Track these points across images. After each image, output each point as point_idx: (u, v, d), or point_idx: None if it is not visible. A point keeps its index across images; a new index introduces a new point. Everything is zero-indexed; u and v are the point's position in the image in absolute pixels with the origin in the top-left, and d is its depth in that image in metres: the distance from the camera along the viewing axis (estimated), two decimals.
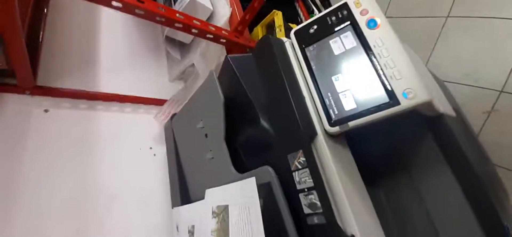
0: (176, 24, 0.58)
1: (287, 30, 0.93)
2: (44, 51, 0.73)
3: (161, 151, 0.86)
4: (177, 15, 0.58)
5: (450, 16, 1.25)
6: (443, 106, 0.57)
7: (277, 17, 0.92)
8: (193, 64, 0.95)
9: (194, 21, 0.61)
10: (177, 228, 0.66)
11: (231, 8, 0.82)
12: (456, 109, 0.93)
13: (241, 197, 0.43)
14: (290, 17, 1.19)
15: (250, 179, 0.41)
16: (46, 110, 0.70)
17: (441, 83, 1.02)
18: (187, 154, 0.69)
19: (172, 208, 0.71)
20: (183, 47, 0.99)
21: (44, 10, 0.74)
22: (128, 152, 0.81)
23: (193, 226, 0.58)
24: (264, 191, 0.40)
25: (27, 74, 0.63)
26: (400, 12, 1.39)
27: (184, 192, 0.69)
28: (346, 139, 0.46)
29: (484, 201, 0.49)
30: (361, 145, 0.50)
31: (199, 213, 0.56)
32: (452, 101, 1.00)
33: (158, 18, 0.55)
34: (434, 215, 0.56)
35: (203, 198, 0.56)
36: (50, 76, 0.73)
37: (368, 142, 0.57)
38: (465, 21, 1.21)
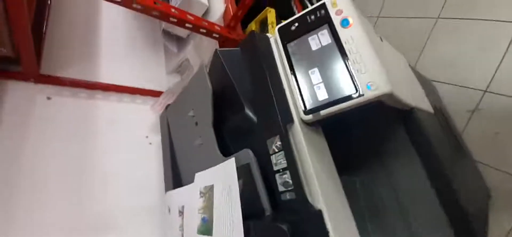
0: (171, 19, 0.63)
1: None
2: (48, 42, 0.77)
3: (157, 139, 0.91)
4: (172, 10, 0.62)
5: (441, 18, 1.29)
6: (417, 102, 0.61)
7: (270, 14, 0.96)
8: (188, 59, 0.99)
9: (188, 16, 0.65)
10: (169, 210, 0.71)
11: (226, 5, 0.86)
12: (439, 107, 0.98)
13: (223, 177, 0.47)
14: (286, 15, 1.23)
15: (230, 160, 0.46)
16: (49, 98, 0.75)
17: (427, 82, 1.06)
18: (179, 141, 0.74)
19: (165, 192, 0.76)
20: (180, 41, 1.03)
21: (48, 2, 0.78)
22: (124, 139, 0.86)
23: (183, 207, 0.63)
24: (244, 172, 0.45)
25: (32, 62, 0.68)
26: (395, 11, 1.41)
27: (176, 177, 0.74)
28: (327, 129, 0.51)
29: (448, 188, 0.53)
30: (341, 136, 0.54)
31: (188, 194, 0.61)
32: (436, 100, 1.05)
33: (154, 13, 0.60)
34: (404, 200, 0.61)
35: (193, 182, 0.61)
36: (53, 65, 0.78)
37: (347, 133, 0.61)
38: (453, 23, 1.25)
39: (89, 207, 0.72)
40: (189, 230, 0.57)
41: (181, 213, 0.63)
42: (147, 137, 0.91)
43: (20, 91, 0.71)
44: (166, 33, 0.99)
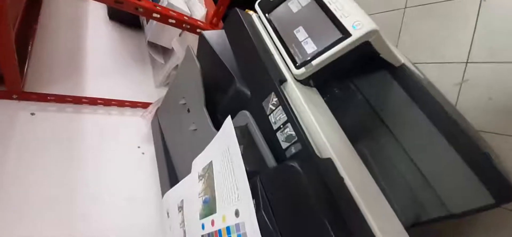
0: (154, 15, 0.64)
1: None
2: (33, 59, 0.76)
3: (149, 148, 0.87)
4: (155, 6, 0.64)
5: (408, 7, 1.37)
6: (406, 62, 0.62)
7: None
8: (176, 67, 1.00)
9: (171, 12, 0.66)
10: (168, 214, 0.66)
11: (206, 9, 0.90)
12: (428, 80, 0.99)
13: (221, 144, 0.45)
14: None
15: (226, 120, 0.44)
16: (32, 114, 0.72)
17: (410, 61, 1.09)
18: (173, 137, 0.71)
19: (162, 197, 0.71)
20: (166, 52, 1.04)
21: (33, 20, 0.79)
22: (115, 151, 0.81)
23: (182, 201, 0.58)
24: (243, 134, 0.43)
25: (16, 79, 0.66)
26: (365, 9, 1.51)
27: (172, 177, 0.70)
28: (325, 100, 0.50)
29: (457, 131, 0.50)
30: (340, 110, 0.53)
31: (186, 184, 0.57)
32: (422, 74, 1.07)
33: (137, 9, 0.61)
34: (415, 156, 0.58)
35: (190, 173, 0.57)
36: (38, 83, 0.76)
37: (346, 106, 0.61)
38: (421, 9, 1.33)
39: (79, 229, 0.65)
40: (190, 221, 0.52)
41: (180, 208, 0.58)
42: (139, 147, 0.87)
43: (2, 109, 0.68)
44: (152, 45, 1.00)
